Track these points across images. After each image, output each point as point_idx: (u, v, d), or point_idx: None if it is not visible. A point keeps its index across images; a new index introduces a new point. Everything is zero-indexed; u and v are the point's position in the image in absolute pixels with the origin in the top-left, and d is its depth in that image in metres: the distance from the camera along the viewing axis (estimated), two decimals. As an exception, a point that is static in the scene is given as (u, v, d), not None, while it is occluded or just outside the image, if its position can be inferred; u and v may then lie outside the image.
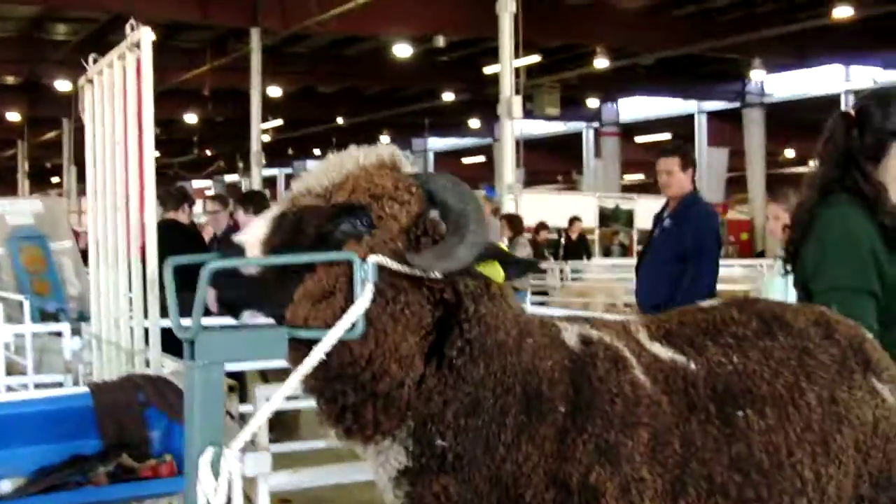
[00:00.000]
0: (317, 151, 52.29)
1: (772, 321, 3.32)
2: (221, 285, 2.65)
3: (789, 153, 44.34)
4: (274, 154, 44.46)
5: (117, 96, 5.76)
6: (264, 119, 29.49)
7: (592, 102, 39.10)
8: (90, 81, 6.29)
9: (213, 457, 2.45)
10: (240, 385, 5.95)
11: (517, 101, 19.41)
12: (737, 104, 36.76)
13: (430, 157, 52.06)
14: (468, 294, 2.82)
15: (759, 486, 3.01)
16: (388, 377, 2.72)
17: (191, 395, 2.49)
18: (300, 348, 2.70)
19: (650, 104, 41.18)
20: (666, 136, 41.97)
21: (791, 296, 4.25)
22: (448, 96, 37.21)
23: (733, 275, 19.51)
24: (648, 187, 41.22)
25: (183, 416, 2.53)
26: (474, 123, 43.88)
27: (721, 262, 8.69)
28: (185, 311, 2.37)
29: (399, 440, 2.84)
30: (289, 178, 58.89)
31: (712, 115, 38.83)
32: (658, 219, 8.43)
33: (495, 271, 2.77)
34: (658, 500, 2.91)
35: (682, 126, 39.86)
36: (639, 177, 48.18)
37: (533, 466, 2.84)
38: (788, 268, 4.19)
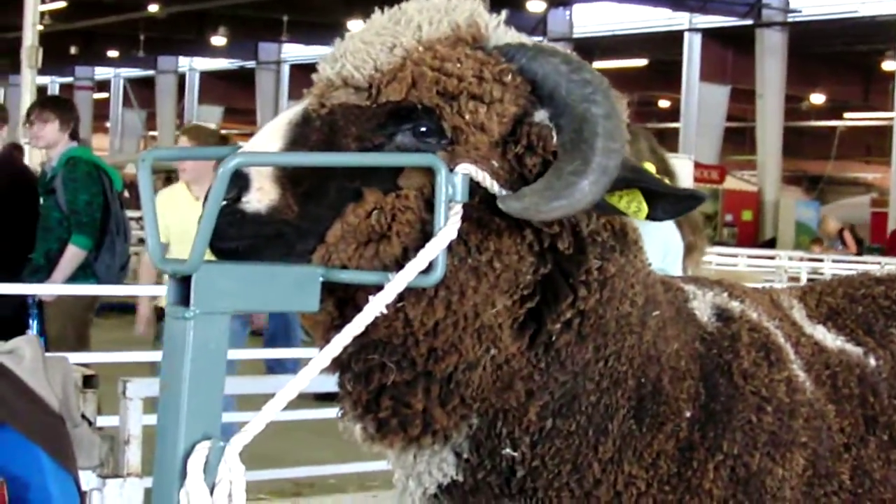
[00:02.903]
0: (113, 53, 51.39)
1: None
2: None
3: (818, 98, 45.45)
4: (48, 53, 43.70)
5: None
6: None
7: (535, 6, 39.36)
8: None
9: (210, 457, 2.40)
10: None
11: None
12: (748, 21, 37.42)
13: (285, 70, 51.89)
14: (596, 243, 2.81)
15: None
16: (457, 355, 2.70)
17: (177, 361, 2.43)
18: (328, 305, 2.69)
19: (619, 14, 41.67)
20: (640, 61, 42.53)
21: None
22: (321, -18, 37.03)
23: (737, 272, 19.96)
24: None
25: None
26: (356, 26, 43.85)
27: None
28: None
29: (451, 444, 2.84)
30: (67, 90, 57.91)
31: (710, 36, 39.49)
32: None
33: (632, 203, 2.75)
34: None
35: (664, 48, 40.51)
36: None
37: (638, 495, 2.87)
38: None
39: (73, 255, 9.85)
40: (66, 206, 9.85)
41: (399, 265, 2.59)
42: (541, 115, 2.74)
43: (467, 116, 2.68)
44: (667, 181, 2.89)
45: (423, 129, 2.69)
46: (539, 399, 2.80)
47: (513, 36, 2.88)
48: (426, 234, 2.60)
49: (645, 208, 2.74)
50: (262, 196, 2.61)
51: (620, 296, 2.84)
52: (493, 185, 2.64)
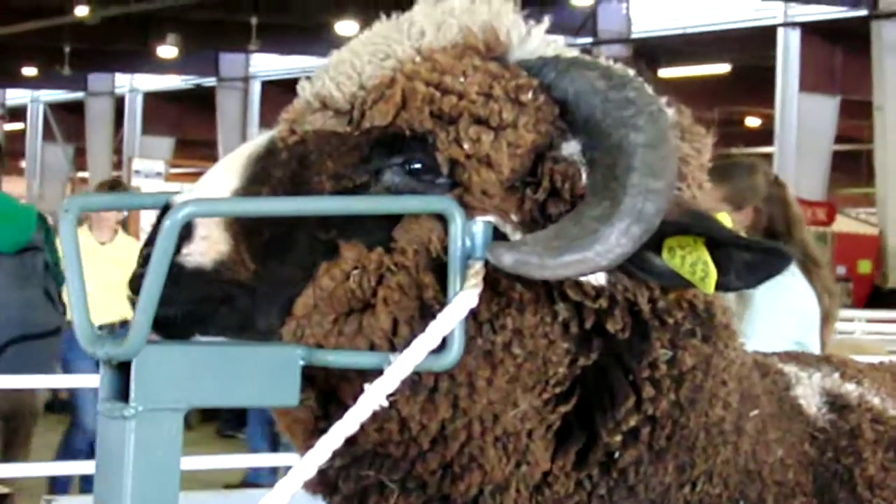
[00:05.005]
0: (30, 71, 51.70)
1: None
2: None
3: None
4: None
5: None
6: None
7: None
8: None
9: None
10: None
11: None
12: (862, 12, 37.42)
13: (255, 89, 52.18)
14: (665, 326, 2.75)
15: None
16: (480, 472, 2.67)
17: (115, 473, 2.44)
18: (309, 398, 2.68)
19: (691, 6, 41.80)
20: (720, 67, 42.60)
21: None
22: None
23: (855, 340, 19.90)
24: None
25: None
26: (346, 28, 44.07)
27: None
28: None
29: None
30: None
31: (812, 32, 39.52)
32: None
33: (697, 265, 2.65)
34: None
35: (752, 50, 40.54)
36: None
37: None
38: None
39: None
40: None
41: (391, 344, 2.56)
42: (570, 148, 2.70)
43: (467, 146, 2.64)
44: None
45: (417, 164, 2.67)
46: None
47: (554, 48, 2.85)
48: (424, 303, 2.58)
49: (713, 272, 2.62)
50: (207, 247, 2.61)
51: (709, 396, 2.79)
52: (516, 238, 2.63)
